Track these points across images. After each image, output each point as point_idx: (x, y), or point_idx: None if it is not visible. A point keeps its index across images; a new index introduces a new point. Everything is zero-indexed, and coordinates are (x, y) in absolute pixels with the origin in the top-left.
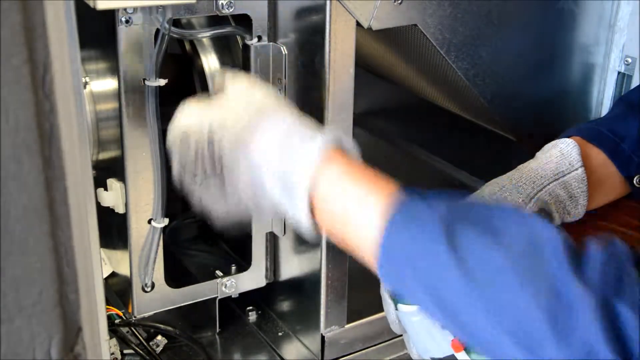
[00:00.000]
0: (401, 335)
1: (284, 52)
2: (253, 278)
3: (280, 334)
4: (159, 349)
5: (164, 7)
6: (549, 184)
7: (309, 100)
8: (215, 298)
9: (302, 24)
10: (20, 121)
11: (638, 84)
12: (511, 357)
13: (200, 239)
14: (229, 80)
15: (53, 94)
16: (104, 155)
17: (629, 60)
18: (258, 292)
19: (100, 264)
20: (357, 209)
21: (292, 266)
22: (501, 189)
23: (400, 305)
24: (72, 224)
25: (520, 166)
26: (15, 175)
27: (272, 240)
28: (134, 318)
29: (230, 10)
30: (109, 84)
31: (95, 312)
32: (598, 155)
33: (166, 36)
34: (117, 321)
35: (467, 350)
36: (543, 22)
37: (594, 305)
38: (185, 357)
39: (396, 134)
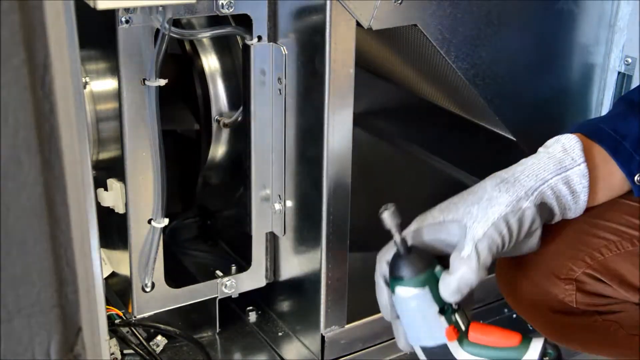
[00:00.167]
0: None
1: (284, 52)
2: (253, 278)
3: (280, 334)
4: (159, 349)
5: (164, 7)
6: (551, 178)
7: (309, 100)
8: (215, 298)
9: (302, 24)
10: (20, 121)
11: (638, 84)
12: None
13: (200, 239)
14: None
15: (53, 94)
16: (104, 155)
17: (629, 60)
18: (258, 292)
19: (100, 264)
20: None
21: (292, 266)
22: (503, 181)
23: (398, 289)
24: (71, 225)
25: (523, 160)
26: (14, 175)
27: (272, 240)
28: (134, 318)
29: (230, 10)
30: (109, 84)
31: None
32: (599, 152)
33: (166, 36)
34: (117, 321)
35: (460, 340)
36: (543, 22)
37: None
38: (185, 357)
39: (396, 134)
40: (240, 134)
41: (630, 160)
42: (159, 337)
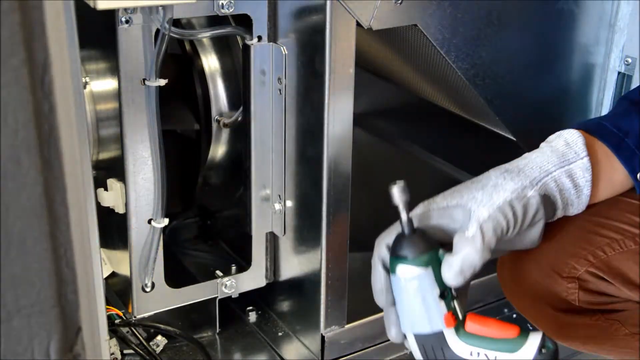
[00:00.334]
0: None
1: (284, 52)
2: (253, 278)
3: (280, 334)
4: (159, 349)
5: (164, 7)
6: (554, 171)
7: (309, 100)
8: (215, 298)
9: (302, 24)
10: (20, 121)
11: (638, 84)
12: None
13: (200, 239)
14: None
15: (52, 95)
16: (104, 155)
17: (629, 60)
18: (258, 292)
19: (100, 264)
20: None
21: (292, 266)
22: (507, 171)
23: (400, 269)
24: (71, 225)
25: (525, 154)
26: (14, 175)
27: (272, 240)
28: (134, 318)
29: (230, 10)
30: (109, 84)
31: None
32: (601, 148)
33: (166, 36)
34: (117, 321)
35: (456, 329)
36: (543, 22)
37: None
38: (185, 357)
39: (396, 134)
40: (240, 134)
41: (632, 157)
42: (159, 337)
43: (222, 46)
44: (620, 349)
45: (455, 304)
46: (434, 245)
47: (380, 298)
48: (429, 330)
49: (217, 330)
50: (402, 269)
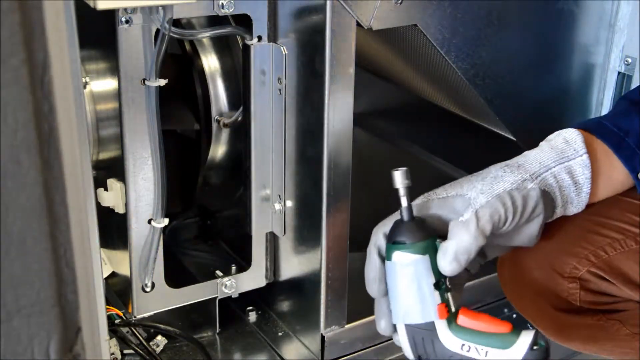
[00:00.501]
0: None
1: (284, 52)
2: (253, 278)
3: (280, 334)
4: (159, 349)
5: (164, 7)
6: (554, 167)
7: (309, 100)
8: (215, 298)
9: (302, 24)
10: (19, 121)
11: (638, 84)
12: None
13: (200, 239)
14: None
15: (52, 95)
16: (104, 155)
17: (629, 60)
18: (258, 292)
19: (100, 264)
20: None
21: (292, 266)
22: (507, 165)
23: (397, 255)
24: (71, 225)
25: (525, 152)
26: (14, 175)
27: (272, 240)
28: (134, 318)
29: (230, 10)
30: (109, 84)
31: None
32: (600, 146)
33: (166, 36)
34: (117, 321)
35: (448, 322)
36: (543, 22)
37: None
38: (185, 357)
39: (396, 134)
40: (240, 134)
41: (633, 156)
42: (159, 337)
43: (222, 46)
44: (621, 349)
45: (449, 296)
46: (432, 233)
47: (372, 287)
48: (421, 320)
49: (217, 330)
50: (398, 255)
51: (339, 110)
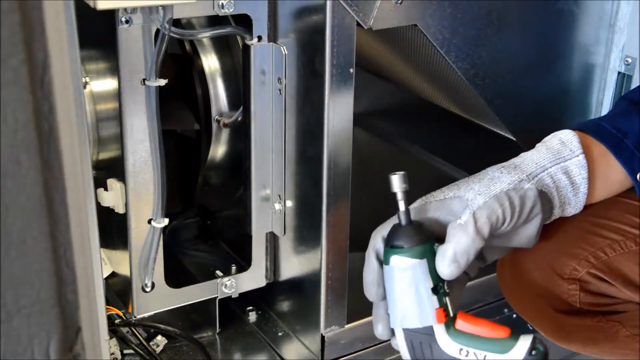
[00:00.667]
0: None
1: (284, 52)
2: (253, 278)
3: (280, 334)
4: (159, 349)
5: (164, 7)
6: (550, 167)
7: (309, 100)
8: (215, 298)
9: (302, 24)
10: (19, 121)
11: (638, 84)
12: None
13: (200, 239)
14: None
15: (52, 95)
16: (104, 155)
17: (629, 60)
18: (258, 292)
19: (100, 264)
20: None
21: (292, 266)
22: (503, 166)
23: (395, 259)
24: (71, 225)
25: (522, 154)
26: (13, 175)
27: (272, 240)
28: (134, 318)
29: (230, 10)
30: (109, 84)
31: (95, 312)
32: (597, 147)
33: (166, 36)
34: (117, 321)
35: (446, 326)
36: (543, 22)
37: None
38: (185, 357)
39: (396, 134)
40: (240, 134)
41: (632, 158)
42: (159, 337)
43: (222, 46)
44: (620, 350)
45: (447, 300)
46: (429, 237)
47: (370, 291)
48: (419, 325)
49: (217, 330)
50: (396, 259)
51: (339, 110)
